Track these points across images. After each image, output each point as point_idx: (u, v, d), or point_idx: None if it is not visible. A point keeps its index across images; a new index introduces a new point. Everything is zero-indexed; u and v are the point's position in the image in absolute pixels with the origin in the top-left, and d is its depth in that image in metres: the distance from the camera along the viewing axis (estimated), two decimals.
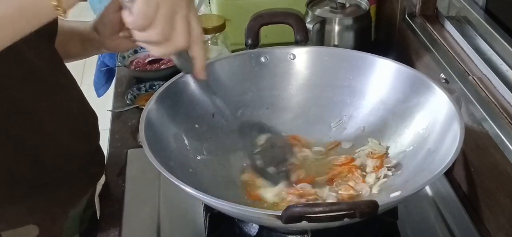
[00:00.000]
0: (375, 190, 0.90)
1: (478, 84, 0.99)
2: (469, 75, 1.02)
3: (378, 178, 0.92)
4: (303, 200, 0.88)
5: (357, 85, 1.02)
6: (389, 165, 0.93)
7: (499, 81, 0.97)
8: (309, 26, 1.30)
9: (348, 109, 1.03)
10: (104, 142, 1.20)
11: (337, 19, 1.32)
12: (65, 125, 0.97)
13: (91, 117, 1.06)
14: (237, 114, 1.02)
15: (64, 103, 0.98)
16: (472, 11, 1.07)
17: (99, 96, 1.86)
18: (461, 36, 1.12)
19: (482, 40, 1.07)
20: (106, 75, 1.79)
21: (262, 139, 1.00)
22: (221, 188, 0.92)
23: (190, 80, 0.98)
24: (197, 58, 0.83)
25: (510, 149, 0.86)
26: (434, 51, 1.13)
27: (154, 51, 0.78)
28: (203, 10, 1.54)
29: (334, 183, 0.93)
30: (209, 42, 1.39)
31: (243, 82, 1.04)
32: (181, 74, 0.98)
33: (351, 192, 0.90)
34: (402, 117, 0.97)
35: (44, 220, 0.96)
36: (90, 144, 1.05)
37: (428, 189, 1.03)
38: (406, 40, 1.29)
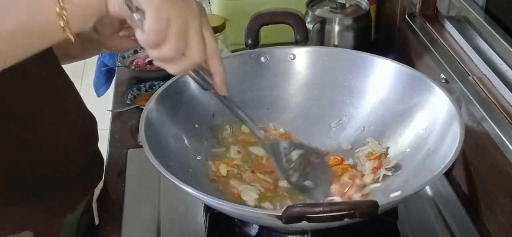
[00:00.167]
0: (372, 187, 0.90)
1: (478, 84, 0.99)
2: (469, 75, 1.02)
3: (376, 179, 0.92)
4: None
5: (357, 85, 1.02)
6: (389, 165, 0.93)
7: (499, 81, 0.97)
8: (309, 26, 1.30)
9: (348, 109, 1.03)
10: (104, 142, 1.20)
11: (337, 19, 1.32)
12: (63, 129, 0.96)
13: (90, 121, 1.05)
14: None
15: (62, 107, 0.97)
16: (472, 11, 1.07)
17: (99, 96, 1.86)
18: (461, 36, 1.12)
19: (482, 40, 1.07)
20: (106, 75, 1.79)
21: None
22: (221, 188, 0.92)
23: (190, 80, 0.98)
24: (216, 73, 0.80)
25: (510, 149, 0.86)
26: (434, 51, 1.13)
27: (170, 69, 0.75)
28: None
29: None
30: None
31: (243, 82, 1.04)
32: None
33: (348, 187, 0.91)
34: (402, 117, 0.97)
35: (41, 226, 0.95)
36: (88, 148, 1.04)
37: (428, 189, 1.03)
38: (406, 40, 1.29)
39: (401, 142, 0.96)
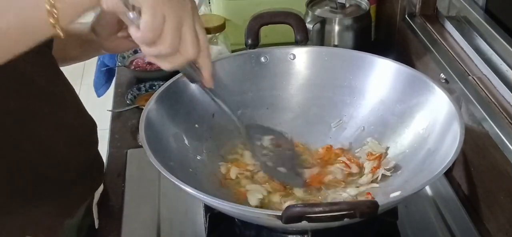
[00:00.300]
0: (370, 187, 0.91)
1: (478, 84, 0.99)
2: (469, 75, 1.02)
3: (376, 179, 0.92)
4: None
5: (357, 85, 1.02)
6: (388, 166, 0.93)
7: (499, 81, 0.97)
8: (309, 26, 1.30)
9: (348, 109, 1.03)
10: (104, 142, 1.20)
11: (337, 19, 1.32)
12: (63, 132, 0.96)
13: (89, 125, 1.04)
14: (237, 114, 1.02)
15: (61, 110, 0.96)
16: (472, 11, 1.07)
17: (99, 96, 1.86)
18: (461, 36, 1.12)
19: (482, 40, 1.07)
20: (106, 75, 1.79)
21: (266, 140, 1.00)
22: (221, 188, 0.92)
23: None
24: (204, 67, 0.82)
25: (510, 149, 0.86)
26: (434, 51, 1.13)
27: (164, 65, 0.76)
28: (203, 10, 1.54)
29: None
30: (209, 42, 1.39)
31: (243, 82, 1.04)
32: (181, 74, 0.98)
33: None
34: (402, 117, 0.97)
35: (40, 230, 0.95)
36: (88, 152, 1.03)
37: (428, 189, 1.03)
38: (406, 40, 1.29)
39: (401, 142, 0.96)
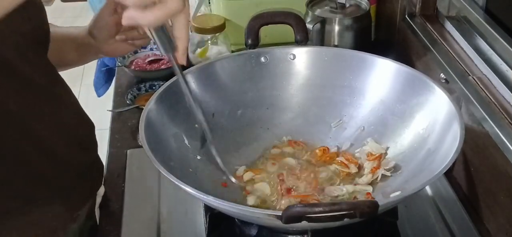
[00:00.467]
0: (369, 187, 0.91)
1: (478, 84, 0.99)
2: (469, 75, 1.02)
3: (375, 179, 0.92)
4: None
5: (357, 85, 1.02)
6: (388, 166, 0.93)
7: (499, 81, 0.97)
8: (309, 26, 1.30)
9: (348, 109, 1.03)
10: (104, 142, 1.20)
11: (337, 19, 1.32)
12: (61, 136, 0.95)
13: (88, 127, 1.04)
14: (237, 114, 1.02)
15: (60, 114, 0.96)
16: (472, 11, 1.07)
17: (99, 96, 1.86)
18: (461, 36, 1.12)
19: (482, 40, 1.07)
20: (106, 75, 1.79)
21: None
22: (221, 188, 0.92)
23: (190, 80, 0.98)
24: (180, 38, 0.77)
25: (510, 149, 0.86)
26: (434, 51, 1.13)
27: (145, 18, 0.72)
28: (203, 10, 1.54)
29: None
30: (209, 42, 1.39)
31: (243, 82, 1.04)
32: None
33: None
34: (402, 117, 0.97)
35: (43, 233, 0.94)
36: (88, 155, 1.03)
37: (428, 189, 1.03)
38: (406, 40, 1.29)
39: (401, 142, 0.96)
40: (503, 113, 0.91)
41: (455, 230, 0.95)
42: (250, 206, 0.89)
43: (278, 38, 1.29)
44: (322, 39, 1.33)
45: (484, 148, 0.95)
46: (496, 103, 0.94)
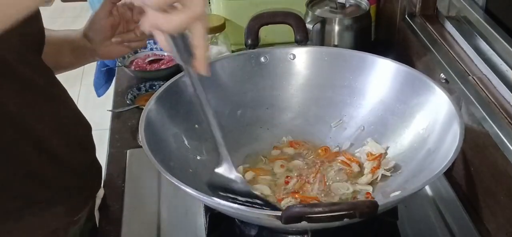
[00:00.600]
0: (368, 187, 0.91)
1: (478, 84, 0.99)
2: (469, 75, 1.02)
3: (375, 179, 0.92)
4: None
5: (357, 85, 1.02)
6: (388, 166, 0.93)
7: (499, 81, 0.97)
8: (309, 26, 1.30)
9: (348, 109, 1.03)
10: (104, 142, 1.20)
11: (337, 19, 1.32)
12: (61, 136, 0.95)
13: (86, 127, 1.04)
14: (237, 114, 1.02)
15: (59, 114, 0.95)
16: (472, 11, 1.07)
17: (99, 96, 1.86)
18: (461, 36, 1.12)
19: (482, 40, 1.07)
20: (106, 75, 1.79)
21: None
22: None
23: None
24: (199, 46, 0.71)
25: (510, 149, 0.86)
26: (434, 51, 1.13)
27: (167, 22, 0.67)
28: None
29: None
30: (209, 42, 1.39)
31: (243, 82, 1.04)
32: (181, 74, 0.97)
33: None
34: (402, 117, 0.97)
35: (45, 236, 0.94)
36: (86, 156, 1.03)
37: (428, 189, 1.03)
38: (406, 40, 1.29)
39: (401, 142, 0.96)
40: (503, 113, 0.91)
41: (455, 230, 0.95)
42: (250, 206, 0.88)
43: (278, 38, 1.29)
44: (322, 39, 1.33)
45: (484, 148, 0.95)
46: (496, 103, 0.94)
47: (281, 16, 1.11)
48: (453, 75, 1.04)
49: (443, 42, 1.14)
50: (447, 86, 1.04)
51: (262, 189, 0.92)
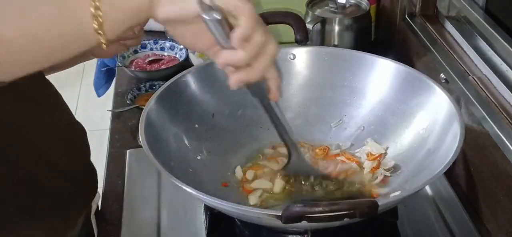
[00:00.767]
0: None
1: (478, 84, 0.99)
2: (469, 75, 1.02)
3: (374, 179, 0.92)
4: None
5: (357, 85, 1.02)
6: (388, 166, 0.93)
7: (499, 81, 0.97)
8: (309, 26, 1.30)
9: (348, 109, 1.03)
10: (104, 142, 1.20)
11: (337, 19, 1.32)
12: (57, 143, 0.94)
13: (80, 131, 1.03)
14: (237, 114, 1.02)
15: (55, 120, 0.95)
16: (472, 11, 1.07)
17: (99, 96, 1.86)
18: (461, 36, 1.12)
19: (482, 40, 1.07)
20: (106, 75, 1.79)
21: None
22: (221, 188, 0.92)
23: (190, 80, 0.98)
24: (272, 78, 0.75)
25: (510, 149, 0.86)
26: (434, 51, 1.13)
27: (254, 74, 0.70)
28: None
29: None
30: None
31: None
32: (181, 74, 0.98)
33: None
34: (402, 117, 0.97)
35: None
36: (82, 160, 1.02)
37: (428, 189, 1.03)
38: (406, 40, 1.29)
39: (401, 142, 0.96)
40: (503, 113, 0.91)
41: (455, 230, 0.95)
42: (251, 206, 0.89)
43: (278, 38, 1.28)
44: (322, 39, 1.33)
45: (484, 148, 0.95)
46: (496, 103, 0.94)
47: (281, 16, 1.11)
48: (453, 75, 1.04)
49: (443, 42, 1.14)
50: (447, 86, 1.04)
51: (263, 184, 0.92)
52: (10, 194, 0.87)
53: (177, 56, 1.47)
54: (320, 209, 0.69)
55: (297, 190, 0.91)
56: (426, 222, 0.97)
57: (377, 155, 0.95)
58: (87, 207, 1.04)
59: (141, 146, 0.83)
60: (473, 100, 0.96)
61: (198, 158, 0.94)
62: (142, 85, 1.36)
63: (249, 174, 0.95)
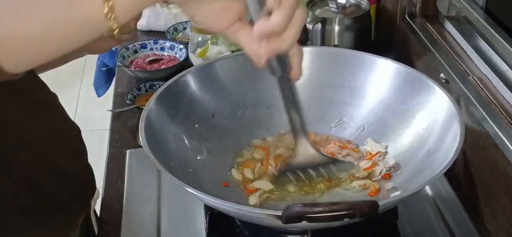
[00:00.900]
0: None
1: (478, 84, 0.99)
2: (469, 75, 1.02)
3: (371, 176, 0.92)
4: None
5: (357, 85, 1.02)
6: (388, 165, 0.93)
7: (499, 81, 0.97)
8: (309, 26, 1.30)
9: (348, 109, 1.03)
10: (104, 142, 1.20)
11: (337, 19, 1.32)
12: (56, 144, 0.94)
13: (75, 130, 1.03)
14: (237, 114, 1.02)
15: (53, 120, 0.95)
16: (472, 11, 1.07)
17: (99, 96, 1.86)
18: (461, 36, 1.12)
19: (482, 40, 1.07)
20: (106, 75, 1.80)
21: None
22: (221, 188, 0.92)
23: (190, 80, 0.98)
24: (296, 54, 0.72)
25: (510, 149, 0.86)
26: (434, 51, 1.13)
27: (286, 43, 0.67)
28: None
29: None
30: (209, 42, 1.39)
31: (243, 82, 1.04)
32: (181, 74, 0.98)
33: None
34: (402, 117, 0.97)
35: None
36: (80, 160, 1.02)
37: (428, 189, 1.03)
38: (406, 40, 1.29)
39: (401, 142, 0.96)
40: (503, 113, 0.91)
41: (455, 230, 0.95)
42: (251, 206, 0.89)
43: None
44: (322, 39, 1.33)
45: (484, 148, 0.95)
46: (496, 103, 0.94)
47: None
48: (453, 75, 1.04)
49: (443, 42, 1.14)
50: (447, 86, 1.04)
51: (264, 184, 0.92)
52: (10, 194, 0.87)
53: (177, 56, 1.47)
54: (320, 209, 0.69)
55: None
56: (426, 222, 0.97)
57: (373, 154, 0.95)
58: (87, 207, 1.04)
59: (141, 146, 0.83)
60: (473, 100, 0.96)
61: (198, 158, 0.94)
62: (142, 85, 1.36)
63: (249, 174, 0.95)
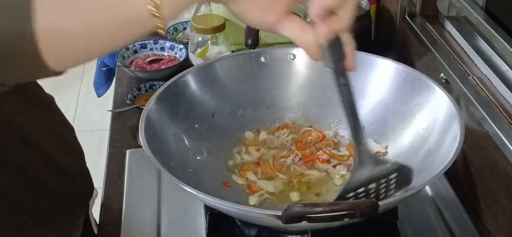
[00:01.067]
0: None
1: (478, 84, 0.99)
2: (469, 75, 1.02)
3: None
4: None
5: (357, 85, 1.01)
6: None
7: (499, 81, 0.97)
8: None
9: None
10: (104, 142, 1.20)
11: None
12: (55, 143, 0.94)
13: (71, 130, 1.03)
14: (237, 114, 1.02)
15: (52, 118, 0.95)
16: (472, 11, 1.07)
17: (99, 96, 1.86)
18: (461, 36, 1.12)
19: (482, 40, 1.07)
20: (106, 75, 1.79)
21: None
22: (222, 188, 0.92)
23: (190, 80, 0.98)
24: (349, 43, 0.71)
25: (510, 149, 0.86)
26: (434, 51, 1.13)
27: (342, 22, 0.68)
28: (203, 10, 1.54)
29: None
30: (209, 42, 1.39)
31: (243, 82, 1.04)
32: (181, 74, 0.98)
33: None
34: (402, 117, 0.97)
35: None
36: (78, 159, 1.02)
37: (428, 189, 1.03)
38: (406, 40, 1.29)
39: (401, 142, 0.96)
40: (503, 113, 0.91)
41: (455, 230, 0.95)
42: (251, 206, 0.89)
43: (278, 38, 1.28)
44: None
45: (484, 148, 0.95)
46: (496, 103, 0.94)
47: None
48: (453, 75, 1.04)
49: (443, 42, 1.14)
50: (447, 86, 1.04)
51: (266, 185, 0.92)
52: (12, 195, 0.87)
53: (177, 56, 1.47)
54: (320, 209, 0.69)
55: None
56: (426, 222, 0.97)
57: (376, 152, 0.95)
58: (86, 207, 1.05)
59: (141, 146, 0.83)
60: (473, 100, 0.96)
61: (198, 158, 0.94)
62: (142, 85, 1.36)
63: (251, 176, 0.95)
